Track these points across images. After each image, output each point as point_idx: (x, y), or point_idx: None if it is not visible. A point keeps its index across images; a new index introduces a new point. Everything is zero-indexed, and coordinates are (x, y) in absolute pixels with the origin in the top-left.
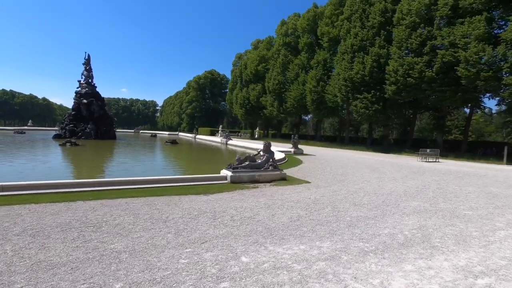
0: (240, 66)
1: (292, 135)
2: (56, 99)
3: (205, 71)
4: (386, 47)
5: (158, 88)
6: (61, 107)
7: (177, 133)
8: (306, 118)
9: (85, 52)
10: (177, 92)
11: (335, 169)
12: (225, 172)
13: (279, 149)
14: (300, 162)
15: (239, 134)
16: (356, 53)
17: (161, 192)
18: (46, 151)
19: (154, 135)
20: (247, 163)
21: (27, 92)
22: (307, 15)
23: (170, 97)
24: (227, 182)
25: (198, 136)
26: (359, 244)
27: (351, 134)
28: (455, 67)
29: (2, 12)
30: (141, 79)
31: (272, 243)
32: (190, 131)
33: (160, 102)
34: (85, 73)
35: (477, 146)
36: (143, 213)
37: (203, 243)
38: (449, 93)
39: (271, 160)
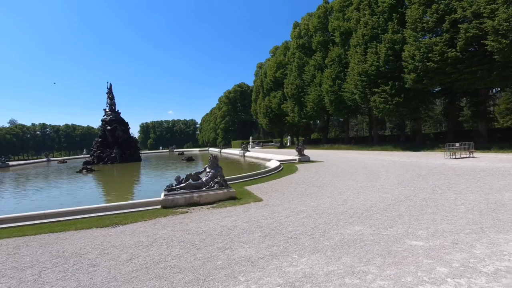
0: (261, 75)
1: (297, 142)
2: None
3: (234, 85)
4: (400, 32)
5: (196, 107)
6: None
7: (207, 148)
8: (341, 119)
9: (107, 82)
10: (212, 108)
11: (322, 178)
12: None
13: (281, 158)
14: (294, 171)
15: (261, 143)
16: (368, 44)
17: (62, 228)
18: (56, 180)
19: (182, 153)
20: (187, 182)
21: (85, 124)
22: (318, 12)
23: (206, 114)
24: (159, 207)
25: (223, 150)
26: None
27: (395, 132)
28: (482, 41)
29: (64, 56)
30: (183, 100)
31: None
32: (225, 145)
33: (199, 120)
34: (108, 101)
35: None
36: None
37: None
38: (481, 73)
39: (218, 177)
